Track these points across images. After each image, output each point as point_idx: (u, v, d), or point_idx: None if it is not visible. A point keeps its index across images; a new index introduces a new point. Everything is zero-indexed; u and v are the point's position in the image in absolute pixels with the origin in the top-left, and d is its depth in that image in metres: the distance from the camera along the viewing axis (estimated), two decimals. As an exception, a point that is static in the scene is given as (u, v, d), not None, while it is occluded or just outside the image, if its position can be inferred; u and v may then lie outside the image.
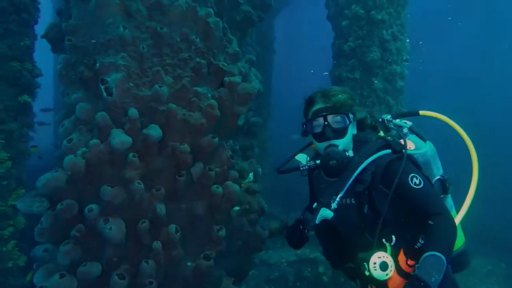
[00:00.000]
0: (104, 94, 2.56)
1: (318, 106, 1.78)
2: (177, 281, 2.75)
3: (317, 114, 1.76)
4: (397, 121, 1.91)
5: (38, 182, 2.54)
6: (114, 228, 2.43)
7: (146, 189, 2.58)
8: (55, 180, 2.51)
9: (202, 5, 2.92)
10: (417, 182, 1.60)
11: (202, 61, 2.78)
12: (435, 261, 1.42)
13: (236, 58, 3.18)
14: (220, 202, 2.78)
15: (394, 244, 1.63)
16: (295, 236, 1.88)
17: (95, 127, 2.58)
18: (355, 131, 1.83)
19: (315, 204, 1.73)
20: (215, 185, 2.73)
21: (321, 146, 1.77)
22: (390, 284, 1.60)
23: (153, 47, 2.73)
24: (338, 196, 1.65)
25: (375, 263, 1.56)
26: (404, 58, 6.37)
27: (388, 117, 1.91)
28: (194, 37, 2.83)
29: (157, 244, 2.52)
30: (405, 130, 1.87)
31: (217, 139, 2.75)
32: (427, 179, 1.69)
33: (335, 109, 1.73)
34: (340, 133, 1.72)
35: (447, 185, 1.90)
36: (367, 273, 1.58)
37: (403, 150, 1.66)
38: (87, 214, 2.43)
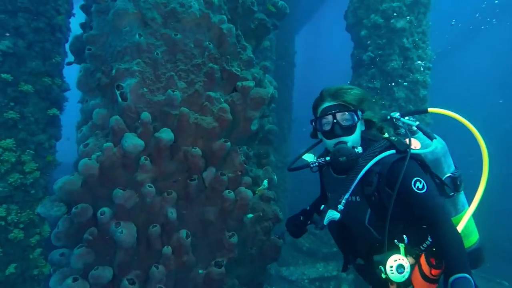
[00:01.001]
0: (119, 99, 2.62)
1: (327, 103, 1.81)
2: (188, 289, 2.69)
3: (326, 111, 1.78)
4: (406, 119, 1.89)
5: (55, 185, 2.60)
6: (125, 232, 2.42)
7: (157, 193, 2.57)
8: (70, 183, 2.57)
9: (216, 12, 2.97)
10: (420, 186, 1.61)
11: (215, 66, 2.80)
12: (463, 284, 1.42)
13: (250, 64, 3.19)
14: (232, 208, 2.73)
15: (407, 244, 1.64)
16: (295, 225, 2.01)
17: (110, 131, 2.63)
18: (363, 127, 1.85)
19: (322, 206, 1.78)
20: (227, 190, 2.69)
21: (330, 143, 1.80)
22: (415, 284, 1.62)
23: (167, 53, 2.79)
24: (344, 198, 1.69)
25: (391, 267, 1.56)
26: (427, 66, 6.16)
27: (397, 115, 1.91)
28: (207, 43, 2.87)
29: (167, 249, 2.48)
30: (414, 129, 1.86)
31: (229, 143, 2.72)
32: (432, 182, 1.70)
33: (344, 107, 1.76)
34: (349, 130, 1.75)
35: (458, 183, 1.89)
36: (383, 275, 1.58)
37: (407, 150, 1.68)
38: (99, 217, 2.45)
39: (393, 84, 5.99)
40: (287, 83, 11.45)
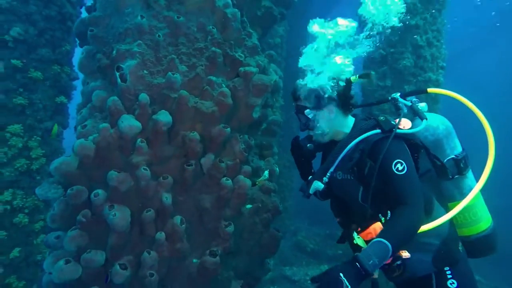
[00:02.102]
0: (119, 80, 2.57)
1: (294, 103, 1.97)
2: (181, 277, 2.62)
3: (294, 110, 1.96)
4: (406, 99, 1.90)
5: (51, 165, 2.57)
6: (118, 215, 2.36)
7: (153, 177, 2.51)
8: (66, 164, 2.53)
9: (221, -4, 2.90)
10: (400, 168, 1.64)
11: (218, 50, 2.73)
12: (379, 247, 1.46)
13: (254, 51, 3.11)
14: (230, 196, 2.65)
15: (388, 219, 1.66)
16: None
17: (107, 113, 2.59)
18: (333, 115, 1.87)
19: (310, 177, 1.88)
20: (225, 178, 2.61)
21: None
22: None
23: (169, 36, 2.73)
24: (329, 171, 1.78)
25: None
26: (440, 65, 5.97)
27: (397, 95, 1.91)
28: (211, 27, 2.80)
29: (160, 235, 2.42)
30: (416, 107, 1.87)
31: (229, 129, 2.64)
32: (413, 165, 1.71)
33: (298, 108, 1.90)
34: (309, 126, 1.89)
35: (462, 165, 1.86)
36: (355, 242, 1.66)
37: (392, 130, 1.70)
38: (93, 199, 2.40)
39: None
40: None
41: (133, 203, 2.55)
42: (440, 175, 1.86)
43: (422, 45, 5.87)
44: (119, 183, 2.40)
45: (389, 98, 1.91)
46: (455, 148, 1.91)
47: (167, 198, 2.47)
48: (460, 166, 1.85)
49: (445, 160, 1.86)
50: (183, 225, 2.49)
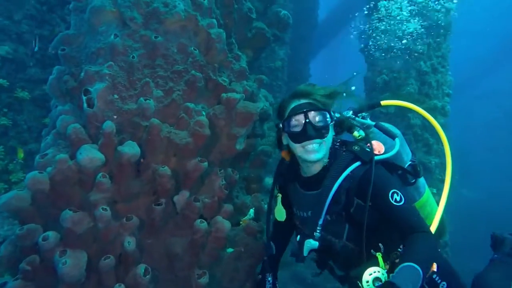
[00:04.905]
0: (85, 105, 2.28)
1: (296, 102, 1.70)
2: (144, 338, 2.20)
3: (296, 110, 1.65)
4: (359, 118, 1.85)
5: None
6: (70, 263, 1.99)
7: (116, 217, 2.16)
8: (17, 199, 2.18)
9: (205, 15, 2.65)
10: (398, 198, 1.57)
11: (198, 73, 2.44)
12: (412, 272, 1.37)
13: (242, 76, 2.82)
14: (205, 240, 2.28)
15: (383, 252, 1.60)
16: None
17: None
18: (334, 133, 1.77)
19: (298, 237, 1.79)
20: (199, 220, 2.24)
21: (299, 147, 1.69)
22: None
23: (145, 57, 2.46)
24: (318, 225, 1.67)
25: (367, 281, 1.49)
26: (446, 92, 5.69)
27: (350, 113, 1.82)
28: (192, 49, 2.53)
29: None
30: (369, 126, 1.83)
31: (206, 163, 2.31)
32: (405, 190, 1.66)
33: (318, 105, 1.66)
34: (322, 132, 1.64)
35: (419, 169, 1.87)
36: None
37: (373, 159, 1.63)
38: (40, 244, 2.04)
39: None
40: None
41: (92, 248, 2.19)
42: (404, 182, 1.83)
43: (427, 71, 5.62)
44: (74, 224, 2.05)
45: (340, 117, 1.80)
46: (408, 153, 1.90)
47: (129, 243, 2.11)
48: (417, 169, 1.85)
49: (405, 166, 1.84)
50: (147, 276, 2.10)
